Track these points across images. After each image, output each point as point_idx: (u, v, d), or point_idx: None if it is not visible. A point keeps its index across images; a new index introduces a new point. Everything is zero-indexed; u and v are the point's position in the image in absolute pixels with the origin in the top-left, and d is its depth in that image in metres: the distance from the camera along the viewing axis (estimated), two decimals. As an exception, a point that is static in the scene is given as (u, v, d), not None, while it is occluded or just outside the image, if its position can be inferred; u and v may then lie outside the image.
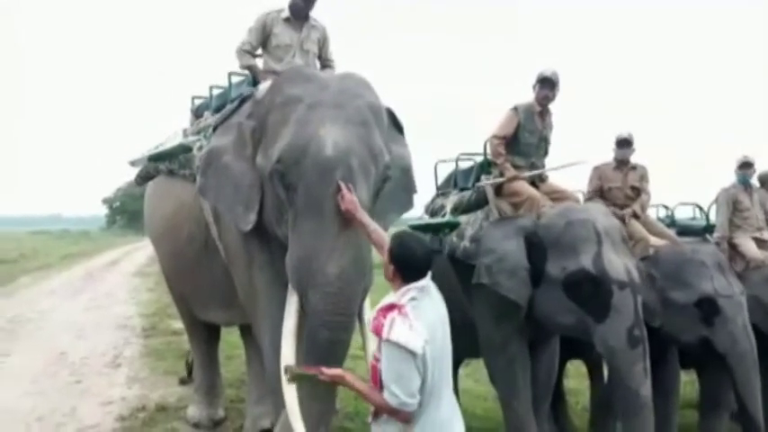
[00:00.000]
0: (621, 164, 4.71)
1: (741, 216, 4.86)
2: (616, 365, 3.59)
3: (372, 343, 2.46)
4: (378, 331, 2.18)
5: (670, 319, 4.10)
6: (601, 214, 3.86)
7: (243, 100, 3.54)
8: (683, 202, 5.39)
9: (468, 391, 5.81)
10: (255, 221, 3.17)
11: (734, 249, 4.78)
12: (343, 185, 2.81)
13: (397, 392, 2.16)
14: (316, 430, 2.81)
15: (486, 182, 4.19)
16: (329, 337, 2.76)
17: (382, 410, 2.25)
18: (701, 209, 5.33)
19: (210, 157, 3.40)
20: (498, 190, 4.18)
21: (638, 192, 4.67)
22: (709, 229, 5.03)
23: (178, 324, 6.90)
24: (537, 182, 4.31)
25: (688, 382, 5.51)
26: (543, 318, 3.82)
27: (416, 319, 2.16)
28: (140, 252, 24.31)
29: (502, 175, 4.18)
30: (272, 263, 3.29)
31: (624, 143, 4.68)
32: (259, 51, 4.01)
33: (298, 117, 2.99)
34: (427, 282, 2.28)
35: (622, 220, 4.40)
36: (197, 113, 4.32)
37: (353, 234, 2.81)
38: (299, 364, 2.79)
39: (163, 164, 4.27)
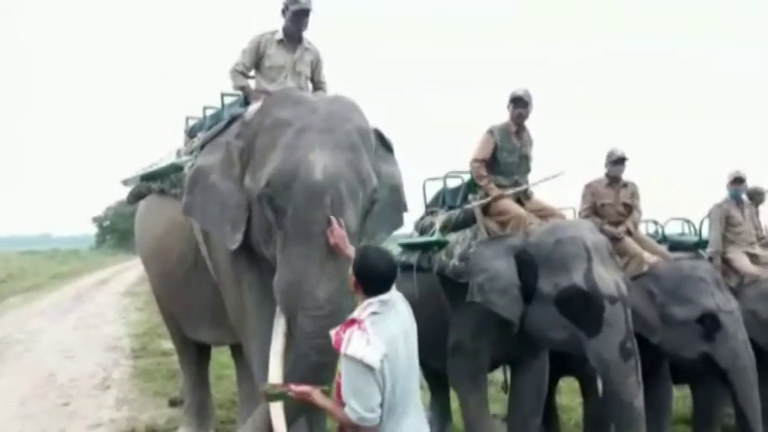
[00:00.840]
0: (614, 181, 4.76)
1: (734, 231, 4.91)
2: (610, 378, 3.66)
3: None
4: (338, 346, 2.20)
5: (670, 334, 4.15)
6: (588, 231, 3.92)
7: (231, 120, 3.57)
8: (673, 217, 5.45)
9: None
10: (242, 241, 3.20)
11: (727, 264, 4.83)
12: (333, 220, 2.84)
13: (356, 407, 2.15)
14: None
15: (474, 202, 4.29)
16: (319, 360, 2.77)
17: (345, 426, 2.26)
18: (691, 224, 5.40)
19: (197, 175, 3.41)
20: (485, 209, 4.27)
21: (629, 208, 4.74)
22: (701, 244, 5.09)
23: (168, 344, 6.84)
24: (522, 199, 4.39)
25: (680, 398, 5.53)
26: (536, 333, 3.88)
27: (375, 334, 2.15)
28: (130, 271, 24.12)
29: (487, 195, 4.28)
30: (262, 282, 3.30)
31: (619, 161, 4.74)
32: (252, 72, 4.04)
33: (287, 141, 3.02)
34: (391, 295, 2.27)
35: (617, 237, 4.49)
36: (191, 134, 4.34)
37: (341, 258, 2.84)
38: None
39: (155, 183, 4.28)
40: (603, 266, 3.75)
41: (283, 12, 3.90)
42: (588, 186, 4.81)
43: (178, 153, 4.19)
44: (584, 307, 3.66)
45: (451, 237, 4.32)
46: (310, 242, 2.86)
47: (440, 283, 4.28)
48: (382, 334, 2.16)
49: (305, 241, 2.87)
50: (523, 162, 4.45)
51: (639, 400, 3.60)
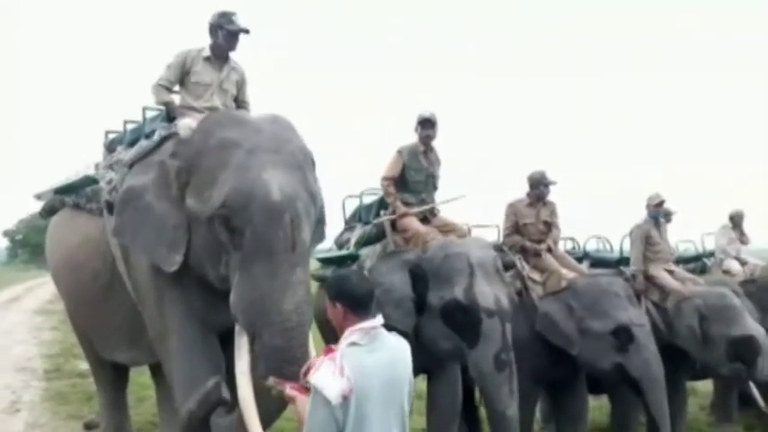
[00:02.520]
0: (535, 201, 4.97)
1: (653, 250, 5.22)
2: (485, 388, 3.91)
3: None
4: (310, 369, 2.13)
5: (587, 346, 4.41)
6: (477, 248, 4.17)
7: (164, 138, 3.53)
8: (593, 235, 5.75)
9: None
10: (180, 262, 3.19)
11: (650, 281, 5.12)
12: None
13: None
14: None
15: (383, 218, 4.58)
16: (293, 372, 2.74)
17: None
18: (608, 242, 5.72)
19: (128, 196, 3.35)
20: (394, 225, 4.52)
21: (549, 226, 4.95)
22: (622, 261, 5.38)
23: (84, 365, 6.58)
24: (429, 216, 4.65)
25: (596, 407, 5.76)
26: (428, 344, 4.06)
27: (345, 367, 2.02)
28: (44, 288, 22.94)
29: (395, 212, 4.53)
30: (185, 299, 3.30)
31: (545, 183, 4.97)
32: (176, 88, 3.99)
33: (238, 162, 3.05)
34: (376, 324, 2.15)
35: (539, 253, 4.79)
36: (110, 148, 4.25)
37: (302, 272, 2.99)
38: (258, 403, 2.86)
39: (69, 197, 4.18)
40: (487, 281, 4.00)
41: (212, 30, 3.88)
42: (511, 206, 5.04)
43: (96, 167, 4.08)
44: (464, 319, 3.91)
45: (363, 251, 4.54)
46: (273, 259, 2.92)
47: None
48: (355, 368, 2.03)
49: (268, 259, 2.93)
50: (430, 181, 4.72)
51: (512, 410, 3.84)
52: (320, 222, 3.59)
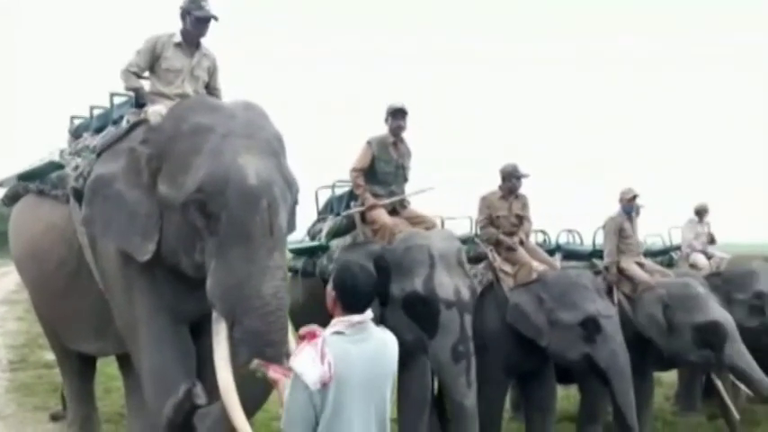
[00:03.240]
0: (508, 193, 5.01)
1: (625, 243, 5.31)
2: (443, 379, 3.98)
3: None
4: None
5: (556, 337, 4.46)
6: (439, 240, 4.19)
7: (133, 125, 3.48)
8: (564, 228, 5.83)
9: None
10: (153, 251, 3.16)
11: (621, 273, 5.20)
12: None
13: (284, 419, 2.09)
14: None
15: (352, 210, 4.56)
16: (275, 354, 2.83)
17: None
18: (578, 234, 5.81)
19: (97, 185, 3.30)
20: (363, 217, 4.51)
21: (521, 219, 4.99)
22: (595, 254, 5.47)
23: (51, 356, 6.46)
24: (398, 208, 4.63)
25: (564, 397, 5.86)
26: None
27: (327, 354, 2.03)
28: (8, 277, 22.39)
29: (364, 203, 4.51)
30: (154, 289, 3.27)
31: (517, 176, 4.98)
32: (146, 74, 3.92)
33: (212, 147, 3.03)
34: (364, 318, 2.17)
35: (512, 247, 4.82)
36: (75, 134, 4.18)
37: (280, 257, 3.00)
38: (238, 389, 2.85)
39: (33, 183, 4.08)
40: (448, 273, 4.01)
41: (183, 15, 3.81)
42: (483, 199, 5.07)
43: (61, 154, 4.00)
44: (423, 310, 3.94)
45: (334, 242, 4.54)
46: (250, 243, 2.92)
47: (323, 287, 4.33)
48: (339, 356, 2.04)
49: (245, 244, 2.92)
50: (400, 172, 4.68)
51: (470, 400, 3.89)
52: (291, 212, 3.58)
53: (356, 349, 2.10)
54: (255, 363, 2.66)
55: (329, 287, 2.21)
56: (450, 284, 3.98)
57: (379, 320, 3.96)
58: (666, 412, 6.27)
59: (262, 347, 2.84)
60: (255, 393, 2.91)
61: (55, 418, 5.53)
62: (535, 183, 5.11)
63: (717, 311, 4.84)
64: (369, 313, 2.18)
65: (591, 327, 4.39)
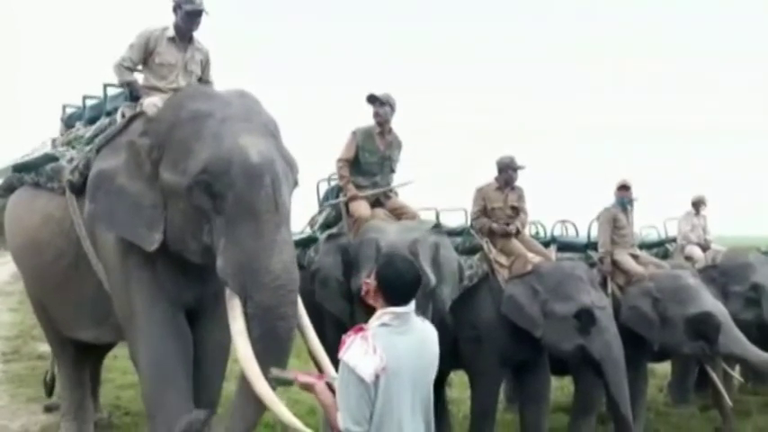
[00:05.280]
0: (504, 185, 4.99)
1: (619, 234, 5.29)
2: None
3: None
4: (340, 349, 2.15)
5: (551, 328, 4.46)
6: (393, 233, 4.09)
7: (130, 119, 3.52)
8: (560, 219, 5.82)
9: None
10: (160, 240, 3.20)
11: (615, 265, 5.20)
12: None
13: (343, 417, 2.09)
14: None
15: (336, 201, 4.57)
16: (287, 328, 2.98)
17: (334, 429, 2.19)
18: (573, 225, 5.80)
19: (99, 180, 3.34)
20: (348, 208, 4.47)
21: (517, 211, 4.98)
22: (590, 245, 5.45)
23: (44, 347, 6.46)
24: (382, 199, 4.59)
25: (558, 388, 5.88)
26: None
27: (376, 347, 2.07)
28: (2, 268, 22.38)
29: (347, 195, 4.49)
30: (154, 280, 3.32)
31: (514, 168, 4.95)
32: (139, 68, 3.93)
33: (213, 131, 3.11)
34: (408, 309, 2.19)
35: (509, 233, 4.80)
36: (68, 123, 4.20)
37: (287, 232, 3.08)
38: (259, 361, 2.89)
39: (28, 175, 4.09)
40: None
41: (175, 9, 3.81)
42: (479, 190, 5.04)
43: (54, 143, 4.05)
44: (367, 306, 3.87)
45: (321, 235, 4.50)
46: (257, 219, 2.99)
47: (309, 281, 4.30)
48: (387, 348, 2.08)
49: (252, 220, 2.99)
50: (386, 163, 4.62)
51: None
52: None
53: (402, 340, 2.14)
54: (274, 372, 2.65)
55: (371, 278, 2.25)
56: None
57: (349, 317, 3.96)
58: (659, 403, 6.30)
59: (273, 322, 2.93)
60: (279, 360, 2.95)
61: (49, 409, 5.52)
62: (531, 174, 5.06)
63: (708, 302, 4.84)
64: (412, 305, 2.21)
65: (585, 318, 4.38)
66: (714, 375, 4.99)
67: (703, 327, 4.70)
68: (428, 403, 2.21)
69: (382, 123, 4.54)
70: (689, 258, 6.23)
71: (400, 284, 2.18)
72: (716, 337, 4.68)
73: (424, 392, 2.19)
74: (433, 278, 3.94)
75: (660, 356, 5.35)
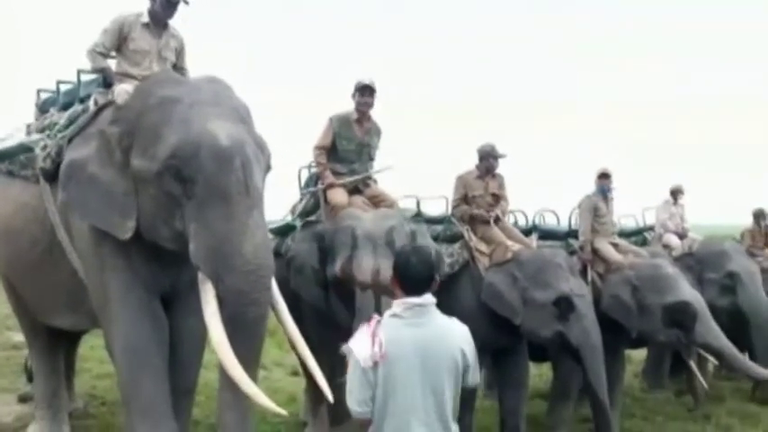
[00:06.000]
0: (484, 173, 4.99)
1: (600, 222, 5.34)
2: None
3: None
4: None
5: (530, 315, 4.50)
6: (369, 220, 4.08)
7: (101, 108, 3.49)
8: (542, 208, 5.86)
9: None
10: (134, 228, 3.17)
11: (595, 253, 5.24)
12: None
13: (349, 398, 2.21)
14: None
15: (314, 188, 4.54)
16: (258, 313, 2.94)
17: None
18: (554, 213, 5.85)
19: (71, 170, 3.30)
20: (326, 196, 4.43)
21: (497, 198, 4.99)
22: (571, 234, 5.49)
23: (18, 336, 6.34)
24: (361, 187, 4.54)
25: (537, 375, 5.94)
26: (332, 317, 4.03)
27: (379, 334, 2.16)
28: (-26, 256, 21.95)
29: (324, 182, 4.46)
30: (129, 267, 3.29)
31: (494, 156, 4.96)
32: (113, 54, 3.88)
33: (181, 115, 3.07)
34: (424, 302, 2.24)
35: (487, 220, 4.81)
36: (42, 108, 4.15)
37: (259, 216, 3.02)
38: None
39: (2, 163, 4.03)
40: (372, 255, 3.84)
41: None
42: (460, 178, 5.05)
43: (28, 129, 3.99)
44: (342, 293, 3.92)
45: (299, 222, 4.48)
46: (228, 203, 2.94)
47: (286, 269, 4.30)
48: (391, 337, 2.15)
49: (221, 204, 2.94)
50: (364, 150, 4.57)
51: None
52: None
53: (410, 332, 2.19)
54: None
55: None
56: (369, 266, 3.81)
57: (324, 304, 3.97)
58: (635, 389, 6.41)
59: (245, 307, 2.90)
60: (251, 346, 2.98)
61: (23, 399, 5.43)
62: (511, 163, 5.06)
63: (686, 291, 4.90)
64: (429, 297, 2.26)
65: (564, 305, 4.42)
66: (693, 363, 5.08)
67: (680, 315, 4.77)
68: (442, 397, 2.20)
69: (364, 111, 4.50)
70: (666, 246, 6.31)
71: (412, 275, 2.24)
72: (692, 325, 4.75)
73: (436, 386, 2.19)
74: None
75: (637, 343, 5.43)
